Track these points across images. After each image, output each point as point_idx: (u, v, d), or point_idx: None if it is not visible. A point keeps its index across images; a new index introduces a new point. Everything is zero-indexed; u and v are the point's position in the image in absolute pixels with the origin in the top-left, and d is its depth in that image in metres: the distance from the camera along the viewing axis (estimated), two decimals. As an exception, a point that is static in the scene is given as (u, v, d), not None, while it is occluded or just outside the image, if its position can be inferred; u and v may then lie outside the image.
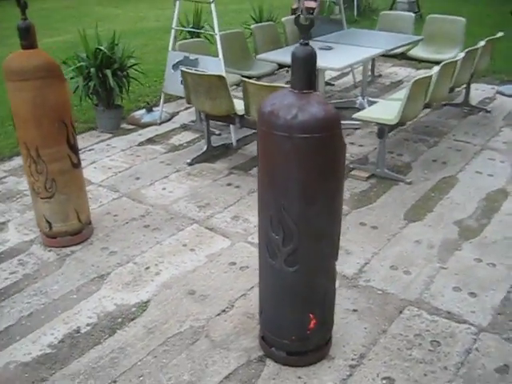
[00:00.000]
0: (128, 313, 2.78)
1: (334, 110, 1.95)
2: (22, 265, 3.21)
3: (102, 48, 4.77)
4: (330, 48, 4.88)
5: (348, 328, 2.61)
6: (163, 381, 2.33)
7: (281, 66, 5.34)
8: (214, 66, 4.55)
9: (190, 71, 4.08)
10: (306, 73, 1.96)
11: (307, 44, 1.94)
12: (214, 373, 2.38)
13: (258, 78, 5.27)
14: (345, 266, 3.06)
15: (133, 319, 2.74)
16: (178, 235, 3.43)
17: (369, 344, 2.52)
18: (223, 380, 2.35)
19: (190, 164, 4.39)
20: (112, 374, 2.40)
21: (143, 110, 5.40)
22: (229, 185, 4.06)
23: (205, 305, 2.82)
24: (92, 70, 4.74)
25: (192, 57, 4.70)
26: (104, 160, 4.56)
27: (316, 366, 2.40)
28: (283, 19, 5.88)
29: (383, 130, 3.87)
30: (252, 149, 4.67)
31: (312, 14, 6.48)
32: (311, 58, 1.94)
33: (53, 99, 2.99)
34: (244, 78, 3.92)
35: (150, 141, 4.94)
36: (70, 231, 3.32)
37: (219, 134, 4.94)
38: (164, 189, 4.03)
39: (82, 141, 4.95)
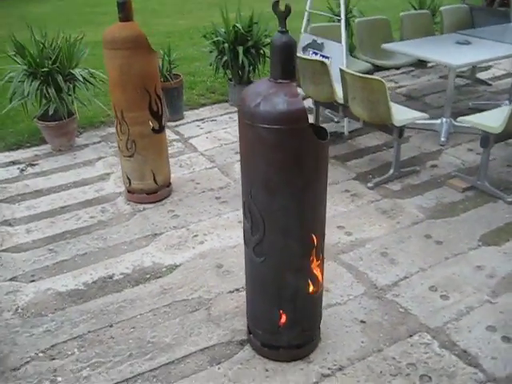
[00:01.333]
0: (157, 272, 2.99)
1: (301, 105, 1.85)
2: (102, 212, 3.63)
3: (237, 25, 4.99)
4: (467, 43, 4.40)
5: (344, 337, 2.47)
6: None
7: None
8: (336, 51, 4.47)
9: (299, 55, 4.07)
10: (281, 62, 1.89)
11: (284, 32, 1.87)
12: (193, 343, 2.48)
13: (395, 68, 5.01)
14: (381, 275, 2.87)
15: (157, 278, 2.95)
16: (239, 212, 3.52)
17: (354, 359, 2.37)
18: (197, 351, 2.43)
19: (292, 146, 4.41)
20: (112, 320, 2.65)
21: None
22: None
23: (224, 280, 2.90)
24: (226, 45, 5.00)
25: (319, 40, 4.66)
26: (219, 131, 4.81)
27: (289, 365, 2.34)
28: (442, 8, 5.44)
29: (487, 138, 3.43)
30: (363, 141, 4.51)
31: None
32: (287, 46, 1.87)
33: (137, 68, 3.29)
34: (343, 68, 3.78)
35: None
36: (146, 190, 3.64)
37: (338, 122, 4.85)
38: (255, 166, 4.13)
39: (210, 111, 5.29)
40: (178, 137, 4.75)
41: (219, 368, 2.34)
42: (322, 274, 2.29)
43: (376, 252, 3.05)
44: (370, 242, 3.14)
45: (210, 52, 5.17)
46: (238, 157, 4.21)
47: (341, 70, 3.71)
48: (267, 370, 2.32)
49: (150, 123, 3.46)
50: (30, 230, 3.47)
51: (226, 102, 5.50)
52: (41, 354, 2.46)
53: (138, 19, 3.43)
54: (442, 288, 2.76)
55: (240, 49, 4.96)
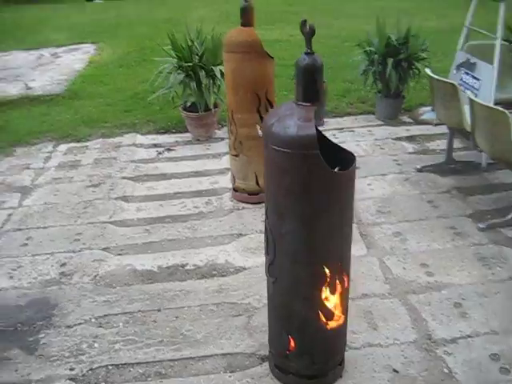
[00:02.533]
0: (225, 271, 3.10)
1: (312, 131, 1.78)
2: (206, 204, 3.85)
3: (392, 36, 4.80)
4: None
5: (367, 382, 2.31)
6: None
7: None
8: (485, 73, 4.05)
9: (431, 75, 3.79)
10: (302, 84, 1.84)
11: (309, 53, 1.81)
12: (219, 346, 2.53)
13: None
14: (443, 326, 2.58)
15: (221, 276, 3.05)
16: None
17: (366, 408, 2.20)
18: (219, 355, 2.49)
19: (418, 170, 4.15)
20: (162, 305, 2.83)
21: (429, 107, 5.19)
22: (429, 202, 3.71)
23: (278, 293, 2.88)
24: (375, 56, 4.85)
25: (472, 60, 4.26)
26: (350, 143, 4.71)
27: (297, 393, 2.27)
28: None
29: None
30: (501, 176, 4.03)
31: None
32: (309, 68, 1.81)
33: (249, 72, 3.40)
34: (470, 95, 3.42)
35: (410, 138, 4.79)
36: (248, 190, 3.76)
37: (481, 151, 4.39)
38: (369, 185, 3.98)
39: (352, 121, 5.20)
40: (309, 143, 4.75)
41: (230, 376, 2.36)
42: (343, 311, 2.16)
43: (450, 301, 2.75)
44: (449, 289, 2.83)
45: (360, 62, 5.05)
46: (358, 172, 4.06)
47: (469, 97, 3.36)
48: (267, 389, 2.27)
49: (258, 127, 3.55)
50: (140, 208, 3.83)
51: (372, 113, 5.33)
52: (93, 320, 2.74)
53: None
54: (506, 360, 2.39)
55: (389, 61, 4.76)
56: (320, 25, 7.31)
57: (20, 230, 3.63)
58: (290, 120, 1.80)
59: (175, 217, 3.70)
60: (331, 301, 2.09)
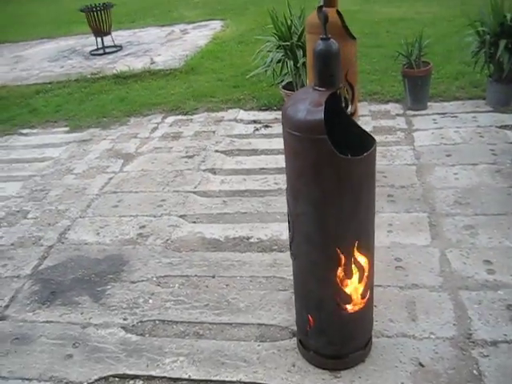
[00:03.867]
0: (284, 247, 3.19)
1: (319, 116, 1.81)
2: (284, 181, 3.96)
3: (507, 16, 4.45)
4: None
5: (389, 372, 2.30)
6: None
7: None
8: None
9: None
10: (318, 69, 1.87)
11: (324, 39, 1.83)
12: (257, 316, 2.66)
13: None
14: (487, 328, 2.45)
15: (280, 252, 3.16)
16: (397, 215, 3.37)
17: (380, 394, 2.21)
18: (255, 324, 2.62)
19: (517, 162, 3.87)
20: (217, 273, 3.02)
21: (548, 94, 4.74)
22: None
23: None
24: (487, 37, 4.53)
25: None
26: (449, 130, 4.47)
27: (316, 370, 2.33)
28: None
29: None
30: None
31: None
32: (324, 54, 1.84)
33: (327, 53, 3.40)
34: None
35: (513, 126, 4.44)
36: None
37: None
38: (455, 174, 3.80)
39: (458, 106, 4.92)
40: (405, 126, 4.62)
41: (259, 345, 2.49)
42: (364, 296, 2.17)
43: (504, 302, 2.59)
44: (506, 289, 2.67)
45: (471, 43, 4.74)
46: (447, 160, 3.93)
47: None
48: (293, 366, 2.36)
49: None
50: (224, 181, 4.05)
51: (484, 99, 4.99)
52: (154, 279, 3.02)
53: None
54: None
55: (502, 42, 4.42)
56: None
57: (115, 192, 4.03)
58: (302, 104, 1.84)
59: (254, 191, 3.85)
60: (348, 284, 2.11)
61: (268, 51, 4.76)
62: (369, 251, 2.10)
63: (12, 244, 3.53)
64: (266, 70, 4.79)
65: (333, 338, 2.23)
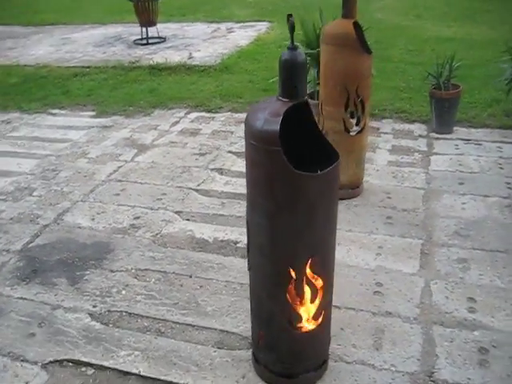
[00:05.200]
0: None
1: (275, 127, 1.75)
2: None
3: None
4: None
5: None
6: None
7: None
8: None
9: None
10: (281, 79, 1.83)
11: (290, 48, 1.79)
12: (221, 323, 2.63)
13: None
14: (451, 367, 2.34)
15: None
16: (396, 240, 3.26)
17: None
18: (217, 330, 2.59)
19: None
20: (194, 273, 3.00)
21: None
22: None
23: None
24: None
25: None
26: (469, 157, 4.29)
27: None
28: None
29: None
30: None
31: None
32: (287, 64, 1.79)
33: (340, 65, 3.34)
34: None
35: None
36: (327, 184, 3.72)
37: None
38: (463, 203, 3.64)
39: (486, 134, 4.73)
40: (425, 149, 4.48)
41: (215, 351, 2.46)
42: (316, 318, 2.11)
43: (477, 344, 2.46)
44: (483, 331, 2.53)
45: (506, 70, 4.55)
46: (458, 188, 3.79)
47: None
48: (243, 377, 2.32)
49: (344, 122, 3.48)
50: (228, 182, 4.03)
51: (513, 128, 4.79)
52: (133, 271, 3.03)
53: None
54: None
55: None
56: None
57: (120, 181, 4.08)
58: (261, 113, 1.80)
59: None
60: (299, 303, 2.05)
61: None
62: (325, 272, 2.04)
63: (11, 219, 3.62)
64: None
65: (282, 356, 2.17)
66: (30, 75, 6.81)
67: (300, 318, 2.07)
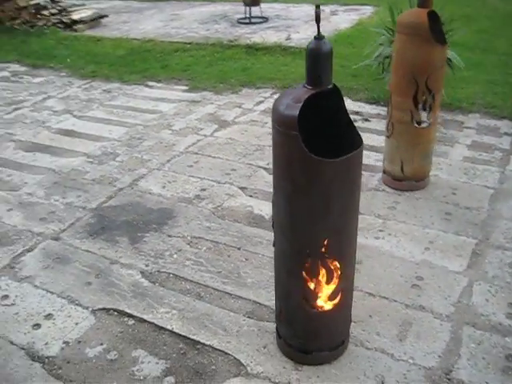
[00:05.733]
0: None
1: (294, 112, 1.84)
2: (353, 176, 3.94)
3: None
4: None
5: (346, 380, 2.31)
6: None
7: None
8: None
9: None
10: (308, 68, 1.91)
11: (316, 38, 1.86)
12: (256, 294, 2.78)
13: None
14: (472, 369, 2.32)
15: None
16: (451, 237, 3.21)
17: (329, 398, 2.24)
18: (251, 301, 2.74)
19: None
20: (243, 246, 3.17)
21: None
22: None
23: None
24: None
25: None
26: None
27: (282, 357, 2.40)
28: None
29: None
30: None
31: None
32: (314, 53, 1.87)
33: (410, 55, 3.30)
34: None
35: None
36: (392, 174, 3.70)
37: None
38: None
39: None
40: (507, 147, 4.26)
41: (244, 320, 2.62)
42: (332, 300, 2.20)
43: (506, 351, 2.39)
44: (517, 338, 2.47)
45: None
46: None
47: None
48: (264, 347, 2.45)
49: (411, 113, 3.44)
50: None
51: None
52: (188, 238, 3.26)
53: None
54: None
55: None
56: None
57: (196, 154, 4.32)
58: (286, 98, 1.89)
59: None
60: (314, 283, 2.14)
61: (380, 44, 4.66)
62: (342, 255, 2.11)
63: (93, 180, 4.00)
64: (372, 63, 4.70)
65: (297, 332, 2.28)
66: (136, 48, 7.27)
67: (315, 297, 2.16)
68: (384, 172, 3.79)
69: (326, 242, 2.04)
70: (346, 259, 2.13)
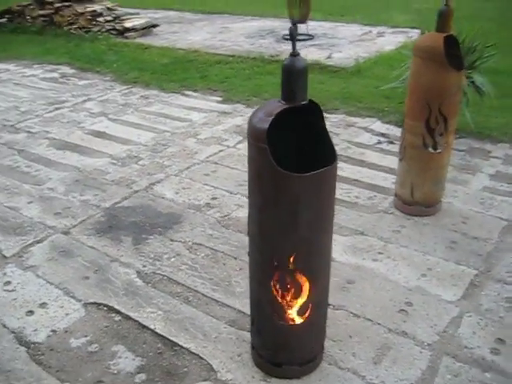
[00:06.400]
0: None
1: (264, 126, 1.89)
2: (368, 198, 3.90)
3: None
4: None
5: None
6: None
7: None
8: None
9: None
10: (282, 83, 1.96)
11: (293, 55, 1.91)
12: (242, 304, 2.82)
13: None
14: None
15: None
16: (453, 268, 3.17)
17: (291, 412, 2.26)
18: (235, 310, 2.79)
19: None
20: (240, 256, 3.23)
21: None
22: None
23: (346, 296, 2.95)
24: None
25: None
26: None
27: (253, 367, 2.42)
28: None
29: None
30: None
31: None
32: (288, 69, 1.92)
33: (424, 79, 3.28)
34: None
35: None
36: (401, 197, 3.68)
37: None
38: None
39: None
40: (534, 178, 4.16)
41: (225, 327, 2.66)
42: (302, 314, 2.22)
43: (483, 385, 2.35)
44: (499, 378, 2.39)
45: None
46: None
47: None
48: (238, 356, 2.47)
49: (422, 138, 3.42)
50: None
51: None
52: (189, 243, 3.35)
53: None
54: None
55: None
56: None
57: (215, 163, 4.42)
58: (260, 112, 1.95)
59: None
60: (283, 297, 2.17)
61: (408, 67, 4.63)
62: (311, 270, 2.12)
63: (112, 180, 4.16)
64: (399, 86, 4.67)
65: (267, 342, 2.31)
66: (180, 58, 7.49)
67: (284, 310, 2.19)
68: (395, 195, 3.76)
69: (293, 256, 2.06)
70: (315, 274, 2.15)
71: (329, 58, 7.14)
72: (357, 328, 2.65)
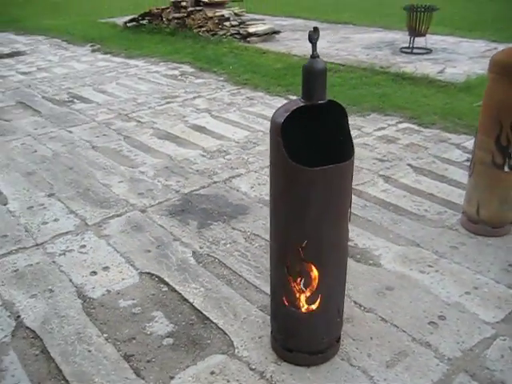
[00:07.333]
0: (354, 255, 3.34)
1: (279, 120, 2.06)
2: (437, 213, 3.87)
3: None
4: None
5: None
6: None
7: None
8: None
9: None
10: (302, 83, 2.12)
11: (313, 57, 2.07)
12: (278, 293, 3.00)
13: None
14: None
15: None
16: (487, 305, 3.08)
17: None
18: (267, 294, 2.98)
19: None
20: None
21: None
22: None
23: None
24: None
25: None
26: None
27: (268, 349, 2.59)
28: None
29: None
30: None
31: None
32: (308, 71, 2.08)
33: (495, 95, 3.21)
34: None
35: None
36: (467, 214, 3.60)
37: None
38: None
39: None
40: None
41: (255, 311, 2.85)
42: (311, 304, 2.35)
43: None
44: (511, 399, 2.34)
45: None
46: None
47: None
48: (259, 337, 2.65)
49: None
50: (386, 190, 4.19)
51: None
52: (248, 233, 3.58)
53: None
54: None
55: None
56: None
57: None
58: (282, 109, 2.13)
59: (398, 207, 3.90)
60: (294, 284, 2.32)
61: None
62: (321, 262, 2.24)
63: (197, 170, 4.52)
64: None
65: (280, 327, 2.47)
66: (293, 64, 7.75)
67: (294, 297, 2.33)
68: (463, 212, 3.67)
69: (303, 245, 2.20)
70: (326, 266, 2.26)
71: (440, 72, 6.97)
72: (380, 332, 2.70)
